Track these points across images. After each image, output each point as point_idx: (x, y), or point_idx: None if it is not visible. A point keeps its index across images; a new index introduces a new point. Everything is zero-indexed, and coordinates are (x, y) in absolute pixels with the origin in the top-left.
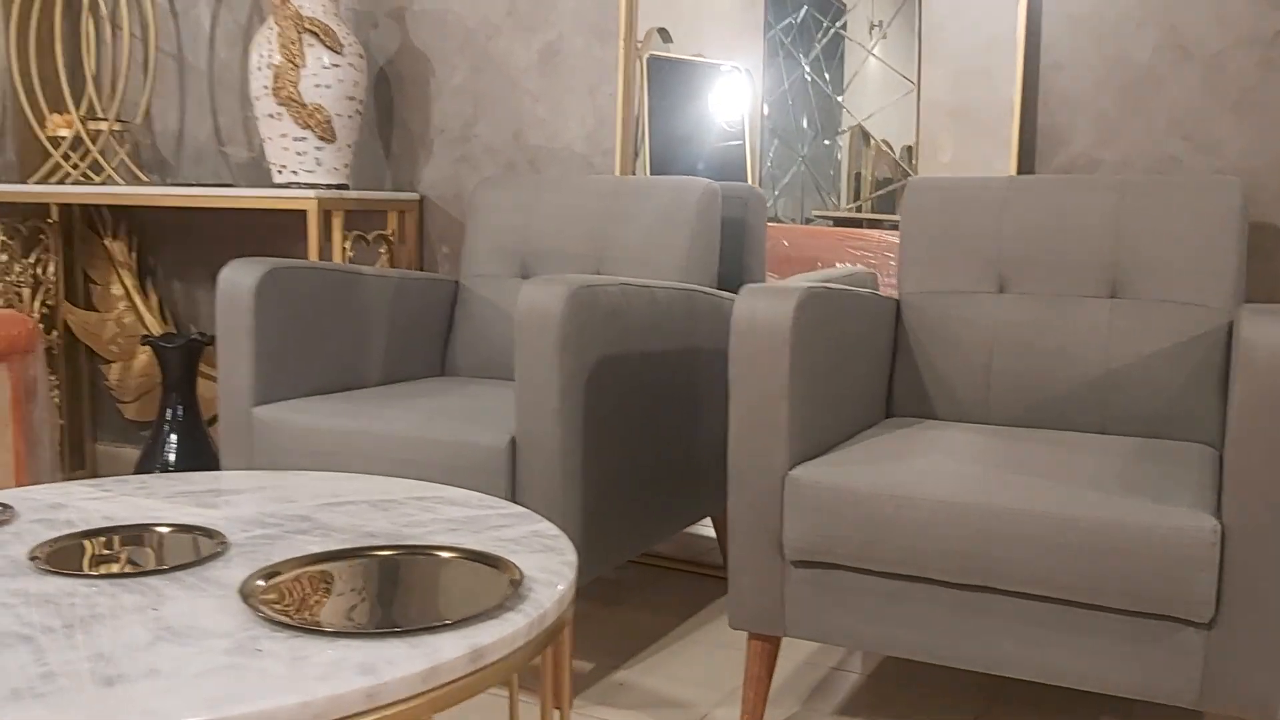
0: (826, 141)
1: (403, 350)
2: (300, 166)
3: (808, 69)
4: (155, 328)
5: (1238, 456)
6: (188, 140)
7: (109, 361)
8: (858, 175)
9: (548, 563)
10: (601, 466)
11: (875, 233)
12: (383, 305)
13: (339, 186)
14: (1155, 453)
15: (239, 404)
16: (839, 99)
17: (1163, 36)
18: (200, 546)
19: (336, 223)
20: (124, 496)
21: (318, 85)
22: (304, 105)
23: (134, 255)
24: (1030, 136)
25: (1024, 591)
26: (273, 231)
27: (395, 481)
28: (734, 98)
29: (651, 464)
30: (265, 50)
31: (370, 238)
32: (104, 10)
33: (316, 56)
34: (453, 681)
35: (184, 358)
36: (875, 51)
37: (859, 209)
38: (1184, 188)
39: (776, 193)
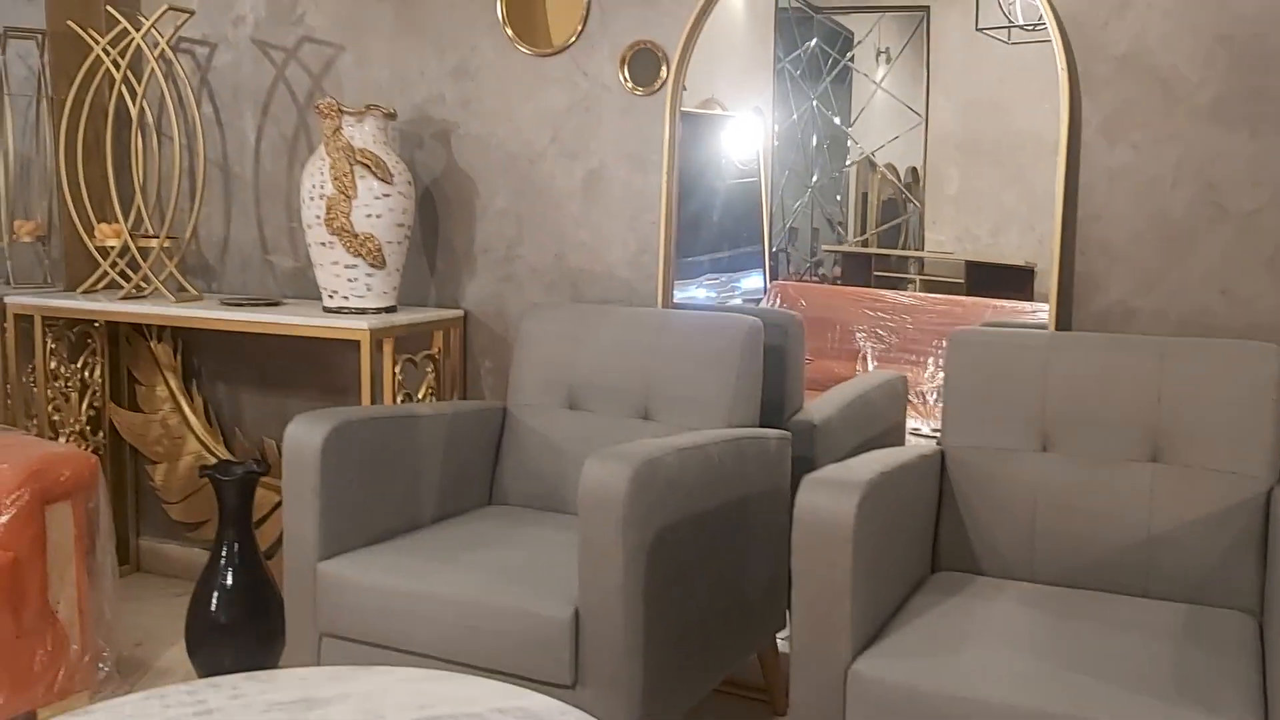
0: (834, 174)
1: (454, 483)
2: (351, 292)
3: (815, 101)
4: (200, 430)
5: None
6: (233, 248)
7: (154, 462)
8: (864, 208)
9: None
10: (662, 630)
11: (890, 294)
12: (437, 441)
13: (388, 310)
14: (1200, 630)
15: (305, 558)
16: (847, 130)
17: (1199, 193)
18: None
19: (387, 349)
20: (217, 715)
21: (369, 215)
22: (355, 235)
23: (179, 359)
24: (1068, 282)
25: None
26: (319, 341)
27: (481, 686)
28: (748, 138)
29: (707, 615)
30: (317, 180)
31: (418, 359)
32: (150, 119)
33: (368, 187)
34: None
35: (240, 489)
36: (884, 84)
37: (865, 243)
38: (1224, 352)
39: (787, 224)
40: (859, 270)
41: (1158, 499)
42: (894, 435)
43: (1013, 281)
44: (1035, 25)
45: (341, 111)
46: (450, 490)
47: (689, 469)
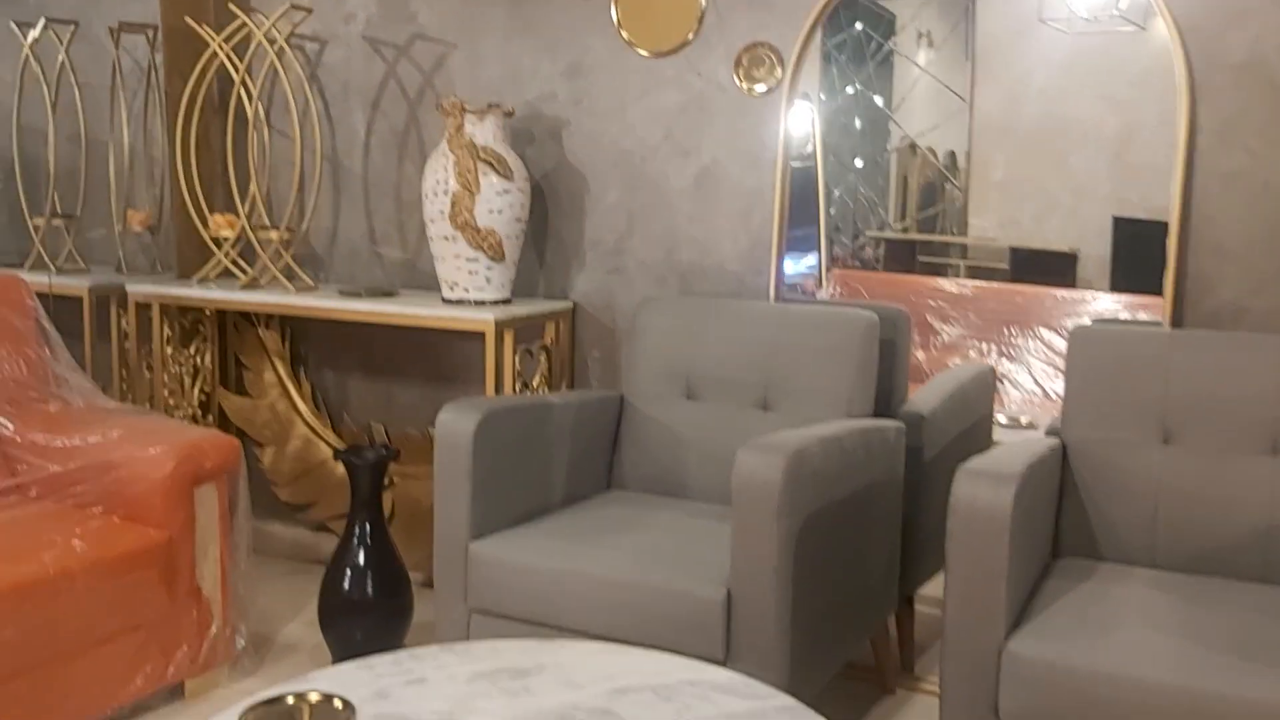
0: (877, 159)
1: (579, 468)
2: (471, 284)
3: (859, 85)
4: (309, 415)
5: None
6: (341, 239)
7: (262, 445)
8: (904, 193)
9: None
10: (805, 611)
11: (946, 283)
12: (565, 429)
13: (504, 302)
14: None
15: (456, 539)
16: (890, 114)
17: None
18: None
19: (508, 340)
20: (430, 687)
21: (490, 211)
22: (478, 230)
23: (286, 346)
24: (1181, 282)
25: None
26: (428, 330)
27: (663, 659)
28: (801, 121)
29: (839, 597)
30: (441, 176)
31: (534, 349)
32: (261, 113)
33: (490, 184)
34: None
35: (373, 473)
36: (928, 68)
37: (905, 230)
38: None
39: (833, 211)
40: (902, 256)
41: (1279, 490)
42: (985, 425)
43: (1056, 267)
44: (1112, 17)
45: (464, 110)
46: (576, 476)
47: (830, 459)
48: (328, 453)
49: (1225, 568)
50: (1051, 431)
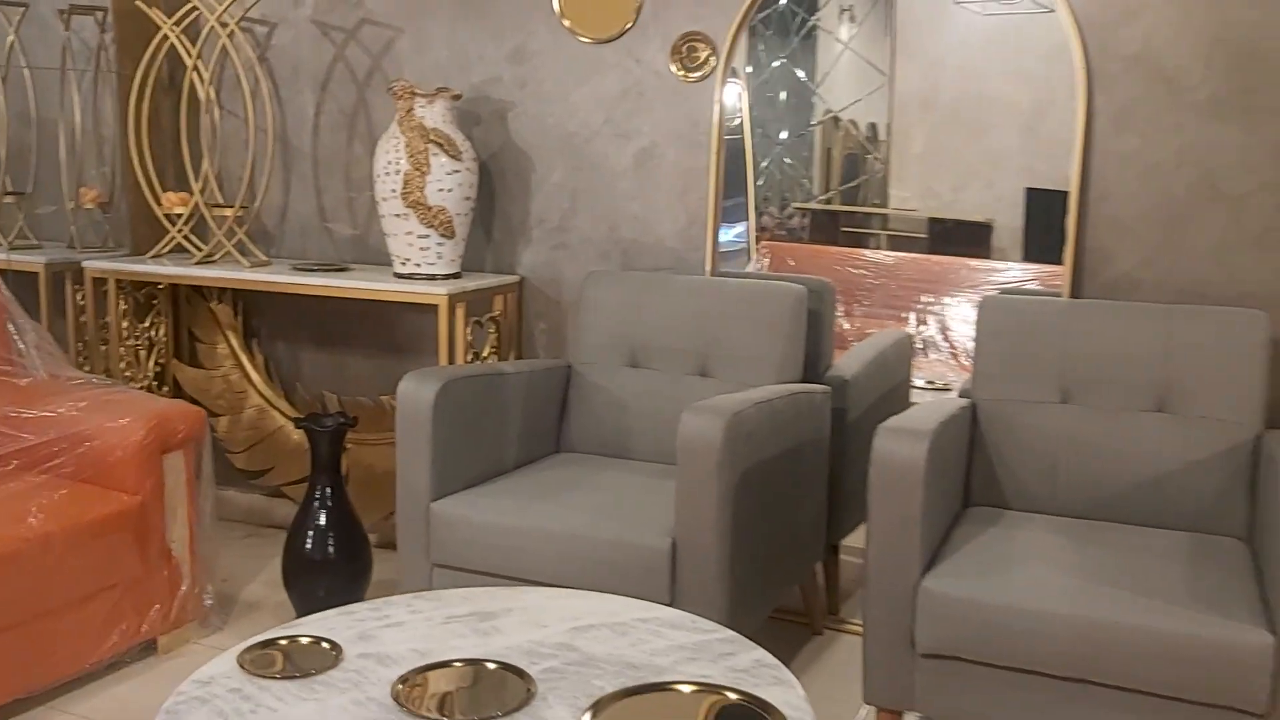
0: (801, 132)
1: (530, 432)
2: (423, 260)
3: (784, 60)
4: (262, 385)
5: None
6: (291, 216)
7: (216, 414)
8: (828, 165)
9: (788, 698)
10: (742, 559)
11: (870, 253)
12: (517, 396)
13: (454, 276)
14: (1206, 554)
15: (418, 500)
16: (814, 88)
17: (1198, 178)
18: (514, 688)
19: (460, 313)
20: (408, 629)
21: (441, 190)
22: (429, 208)
23: (239, 319)
24: (1080, 255)
25: (1115, 685)
26: (378, 303)
27: (617, 601)
28: (731, 96)
29: (772, 546)
30: (393, 157)
31: (484, 321)
32: (213, 96)
33: (440, 164)
34: None
35: (332, 440)
36: (850, 43)
37: (829, 201)
38: (1219, 318)
39: (761, 182)
40: (828, 226)
41: (1164, 444)
42: (904, 387)
43: (973, 237)
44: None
45: (415, 94)
46: (527, 439)
47: (764, 420)
48: (282, 421)
49: (1116, 513)
50: (963, 393)
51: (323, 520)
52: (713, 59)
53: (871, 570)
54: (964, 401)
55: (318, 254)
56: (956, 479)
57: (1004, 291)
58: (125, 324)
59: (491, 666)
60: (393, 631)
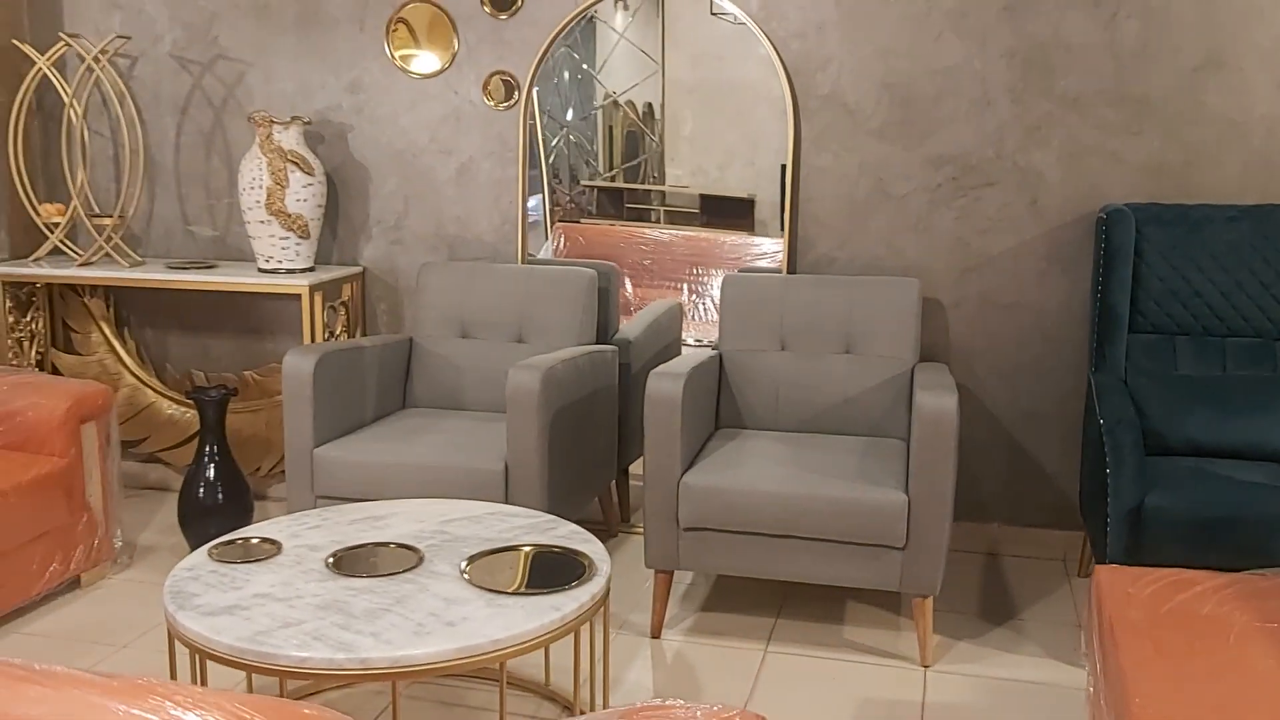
0: (586, 115)
1: (383, 393)
2: (284, 258)
3: (566, 46)
4: (134, 367)
5: (916, 460)
6: (156, 220)
7: None
8: (611, 145)
9: (592, 550)
10: (557, 475)
11: (649, 231)
12: (372, 364)
13: (308, 270)
14: (875, 450)
15: (302, 448)
16: (595, 74)
17: (873, 184)
18: (410, 556)
19: (318, 299)
20: (324, 530)
21: (298, 200)
22: (289, 215)
23: (110, 310)
24: (794, 241)
25: (808, 536)
26: (238, 294)
27: (472, 504)
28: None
29: (577, 466)
30: (256, 175)
31: (335, 305)
32: (83, 118)
33: (297, 179)
34: (586, 612)
35: (218, 407)
36: (625, 34)
37: (613, 178)
38: (887, 285)
39: (552, 159)
40: (613, 203)
41: (850, 376)
42: (675, 345)
43: (738, 211)
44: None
45: (273, 122)
46: (381, 398)
47: (569, 373)
48: (154, 397)
49: (818, 427)
50: (714, 346)
51: (211, 473)
52: (516, 92)
53: (648, 472)
54: (713, 352)
55: (182, 253)
56: (708, 408)
57: (742, 270)
58: (11, 319)
59: (391, 546)
60: (313, 532)
